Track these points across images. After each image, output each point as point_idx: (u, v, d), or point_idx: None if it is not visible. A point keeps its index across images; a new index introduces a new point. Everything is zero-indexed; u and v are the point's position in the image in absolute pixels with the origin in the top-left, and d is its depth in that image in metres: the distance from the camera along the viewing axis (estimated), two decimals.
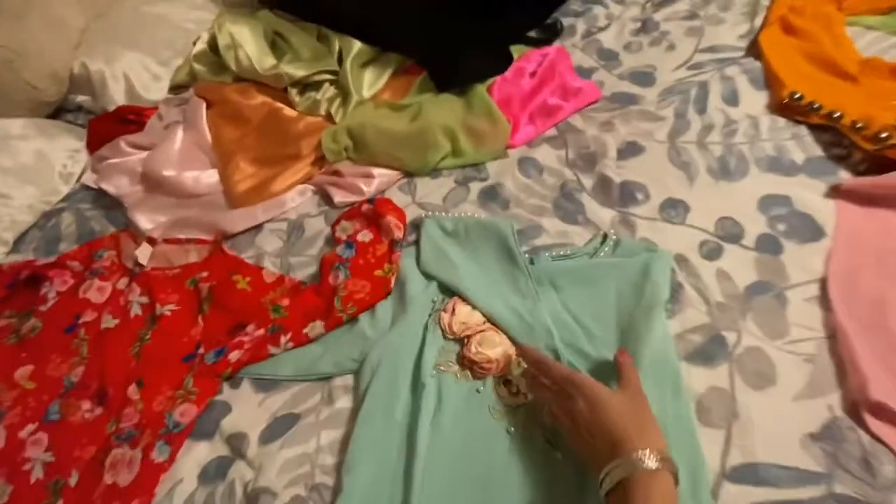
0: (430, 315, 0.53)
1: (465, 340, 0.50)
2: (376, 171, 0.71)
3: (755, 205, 0.59)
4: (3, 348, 0.61)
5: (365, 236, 0.63)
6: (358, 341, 0.53)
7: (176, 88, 0.93)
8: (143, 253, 0.66)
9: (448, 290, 0.55)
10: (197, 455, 0.49)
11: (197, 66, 0.89)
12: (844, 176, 0.59)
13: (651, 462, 0.34)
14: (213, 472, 0.47)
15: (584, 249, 0.57)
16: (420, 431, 0.44)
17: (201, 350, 0.56)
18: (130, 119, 0.86)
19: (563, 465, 0.42)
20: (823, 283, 0.51)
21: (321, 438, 0.49)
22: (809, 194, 0.58)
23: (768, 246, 0.55)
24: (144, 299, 0.62)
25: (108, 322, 0.61)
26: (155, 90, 0.92)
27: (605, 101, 0.75)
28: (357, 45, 0.81)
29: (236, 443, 0.49)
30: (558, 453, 0.43)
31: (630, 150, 0.68)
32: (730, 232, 0.57)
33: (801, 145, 0.63)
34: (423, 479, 0.42)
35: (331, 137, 0.73)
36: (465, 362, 0.49)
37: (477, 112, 0.73)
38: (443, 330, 0.52)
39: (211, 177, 0.75)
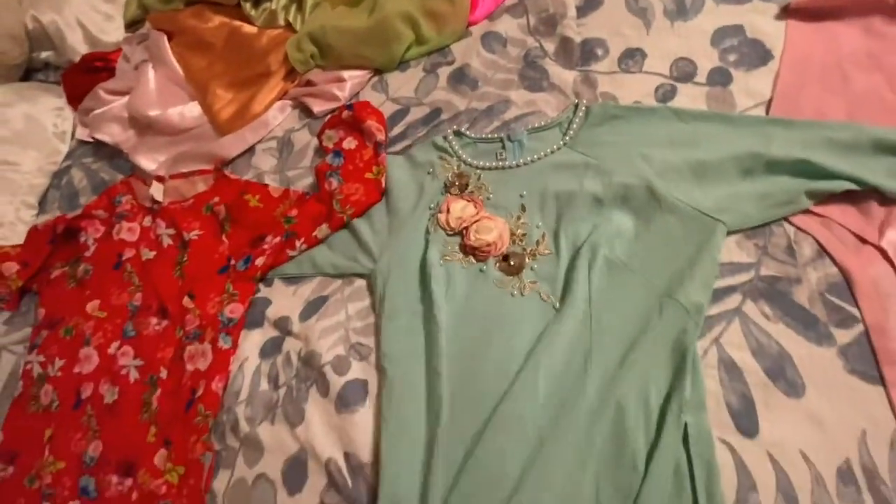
0: (429, 220, 0.60)
1: (464, 231, 0.57)
2: (346, 73, 0.73)
3: (709, 40, 0.61)
4: (69, 292, 0.72)
5: (350, 143, 0.67)
6: (360, 245, 0.61)
7: (131, 25, 0.92)
8: (157, 191, 0.73)
9: (441, 194, 0.61)
10: (254, 339, 0.60)
11: None
12: None
13: None
14: (270, 349, 0.59)
15: (557, 120, 0.61)
16: (438, 311, 0.53)
17: (232, 262, 0.65)
18: (98, 66, 0.87)
19: (556, 313, 0.51)
20: (769, 105, 0.55)
21: (349, 309, 0.59)
22: (761, 19, 0.60)
23: (719, 78, 0.58)
24: (171, 231, 0.70)
25: (147, 255, 0.70)
26: (112, 31, 0.91)
27: None
28: None
29: (282, 324, 0.60)
30: (554, 304, 0.52)
31: (589, 4, 0.68)
32: (684, 71, 0.60)
33: None
34: (449, 343, 0.51)
35: (295, 47, 0.75)
36: (468, 249, 0.57)
37: None
38: (443, 228, 0.59)
39: (193, 110, 0.78)
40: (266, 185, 0.71)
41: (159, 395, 0.60)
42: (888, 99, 0.52)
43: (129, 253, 0.71)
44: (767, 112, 0.55)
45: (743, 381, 0.45)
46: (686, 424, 0.43)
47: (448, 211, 0.59)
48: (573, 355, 0.48)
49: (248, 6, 0.80)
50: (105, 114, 0.82)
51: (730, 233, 0.50)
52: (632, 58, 0.63)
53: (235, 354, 0.60)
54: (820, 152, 0.49)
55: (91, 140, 0.84)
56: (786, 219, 0.50)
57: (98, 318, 0.68)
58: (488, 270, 0.56)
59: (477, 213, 0.59)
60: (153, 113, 0.77)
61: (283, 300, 0.62)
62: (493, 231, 0.57)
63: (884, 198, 0.47)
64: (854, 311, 0.45)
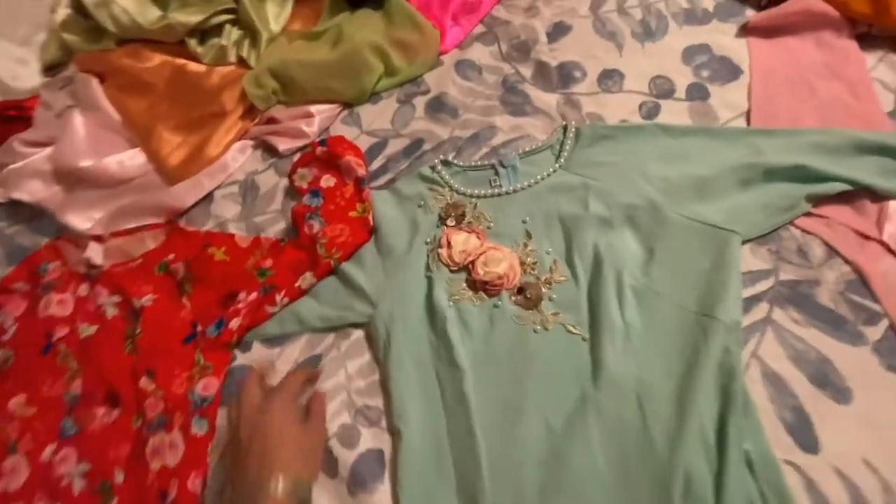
0: (428, 256, 0.55)
1: (471, 266, 0.53)
2: (314, 108, 0.68)
3: (680, 58, 0.63)
4: None
5: (328, 181, 0.61)
6: (354, 290, 0.54)
7: (51, 69, 0.81)
8: (95, 252, 0.62)
9: (437, 228, 0.56)
10: None
11: (68, 37, 0.77)
12: (750, 14, 0.64)
13: (279, 489, 0.36)
14: None
15: (547, 143, 0.59)
16: (458, 358, 0.47)
17: (199, 328, 0.56)
18: (12, 115, 0.75)
19: (587, 346, 0.47)
20: (748, 115, 0.57)
21: (348, 368, 0.51)
22: (724, 38, 0.63)
23: (697, 93, 0.60)
24: (116, 298, 0.59)
25: (86, 330, 0.58)
26: (26, 77, 0.79)
27: None
28: None
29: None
30: (583, 335, 0.48)
31: (558, 30, 0.69)
32: (663, 89, 0.61)
33: None
34: (476, 397, 0.46)
35: (254, 83, 0.68)
36: (478, 285, 0.52)
37: (400, 23, 0.70)
38: (445, 264, 0.54)
39: (135, 157, 0.69)
40: (232, 235, 0.62)
41: None
42: (852, 104, 0.56)
43: (61, 331, 0.58)
44: (748, 122, 0.57)
45: (791, 393, 0.43)
46: (747, 452, 0.40)
47: (449, 245, 0.55)
48: (625, 403, 0.44)
49: (193, 43, 0.73)
50: (23, 169, 0.69)
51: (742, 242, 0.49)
52: (610, 78, 0.63)
53: (214, 441, 0.49)
54: (811, 157, 0.51)
55: (4, 201, 0.71)
56: (791, 223, 0.50)
57: (25, 417, 0.54)
58: (504, 306, 0.51)
59: (481, 245, 0.54)
60: (85, 164, 0.66)
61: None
62: (502, 262, 0.52)
63: (874, 195, 0.49)
64: (875, 306, 0.45)
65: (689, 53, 0.63)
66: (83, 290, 0.61)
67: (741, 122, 0.57)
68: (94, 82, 0.73)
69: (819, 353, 0.44)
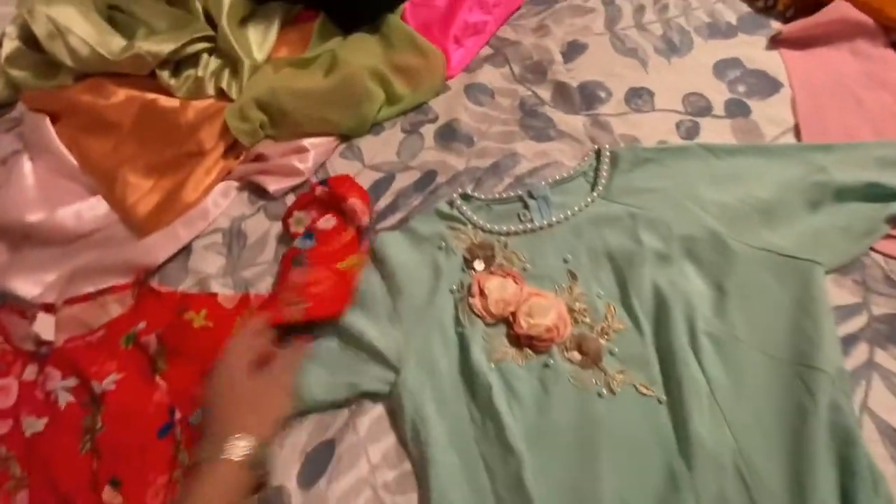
0: (456, 307, 0.46)
1: (511, 317, 0.44)
2: (308, 141, 0.60)
3: (711, 73, 0.58)
4: None
5: (327, 223, 0.52)
6: (369, 351, 0.44)
7: None
8: (45, 326, 0.50)
9: (462, 272, 0.48)
10: None
11: (15, 73, 0.68)
12: (776, 25, 0.61)
13: (235, 453, 0.34)
14: None
15: (580, 169, 0.52)
16: (511, 437, 0.39)
17: (178, 414, 0.45)
18: None
19: (666, 410, 0.39)
20: (796, 130, 0.52)
21: (370, 455, 0.41)
22: (754, 50, 0.59)
23: (737, 110, 0.55)
24: (71, 382, 0.48)
25: (33, 426, 0.46)
26: None
27: (527, 5, 0.70)
28: None
29: (276, 501, 0.40)
30: (658, 397, 0.40)
31: (573, 49, 0.64)
32: (698, 106, 0.56)
33: (729, 5, 0.64)
34: (537, 484, 0.37)
35: (238, 116, 0.60)
36: (522, 340, 0.43)
37: (400, 47, 0.63)
38: (479, 316, 0.45)
39: (96, 207, 0.58)
40: (214, 295, 0.52)
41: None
42: None
43: (1, 427, 0.47)
44: (798, 138, 0.52)
45: None
46: None
47: (482, 293, 0.46)
48: (725, 480, 0.36)
49: (165, 75, 0.64)
50: None
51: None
52: (639, 97, 0.58)
53: None
54: (881, 173, 0.45)
55: None
56: (870, 248, 0.44)
57: None
58: (556, 364, 0.43)
59: (521, 290, 0.46)
60: (33, 217, 0.56)
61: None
62: (549, 311, 0.44)
63: None
64: None
65: (720, 68, 0.58)
66: (29, 373, 0.49)
67: (790, 138, 0.52)
68: (46, 122, 0.63)
69: None
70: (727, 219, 0.46)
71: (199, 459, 0.35)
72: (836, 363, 0.38)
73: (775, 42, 0.59)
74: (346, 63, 0.61)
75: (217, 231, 0.57)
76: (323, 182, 0.54)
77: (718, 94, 0.56)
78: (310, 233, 0.52)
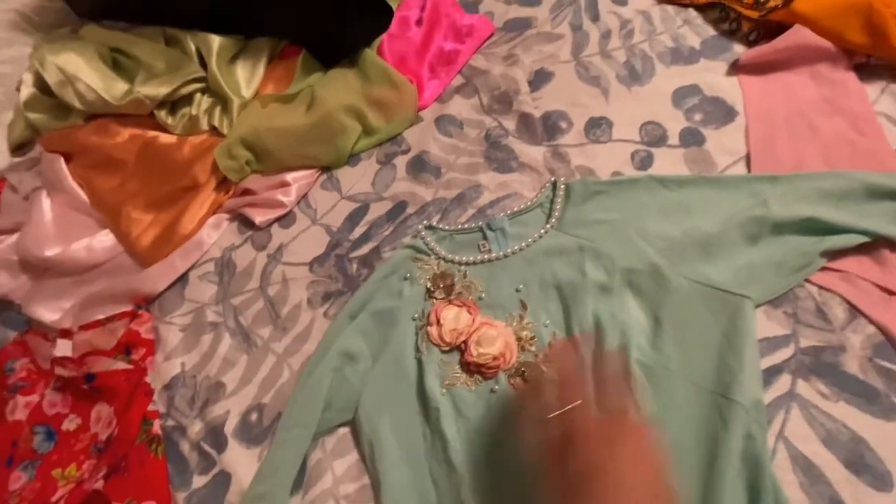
0: (416, 335, 0.51)
1: (463, 346, 0.49)
2: (290, 176, 0.65)
3: (670, 101, 0.60)
4: None
5: (71, 422, 0.51)
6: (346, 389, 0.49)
7: (19, 149, 0.78)
8: (65, 350, 0.58)
9: (425, 301, 0.52)
10: None
11: (33, 116, 0.75)
12: (739, 50, 0.61)
13: None
14: None
15: (537, 201, 0.56)
16: (454, 455, 0.43)
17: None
18: None
19: None
20: (748, 159, 0.54)
21: (335, 469, 0.47)
22: (714, 77, 0.60)
23: (692, 139, 0.57)
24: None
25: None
26: None
27: (499, 32, 0.72)
28: (216, 39, 0.71)
29: None
30: None
31: (540, 78, 0.66)
32: (654, 135, 0.58)
33: (694, 29, 0.64)
34: (476, 497, 0.42)
35: (226, 154, 0.65)
36: (472, 367, 0.48)
37: (376, 81, 0.67)
38: (436, 344, 0.50)
39: (105, 240, 0.65)
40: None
41: None
42: (857, 141, 0.53)
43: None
44: (748, 167, 0.53)
45: (825, 481, 0.38)
46: None
47: (439, 322, 0.51)
48: None
49: (163, 114, 0.70)
50: None
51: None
52: (598, 127, 0.60)
53: None
54: (821, 207, 0.47)
55: None
56: (806, 279, 0.46)
57: None
58: (502, 390, 0.47)
59: (473, 320, 0.50)
60: (51, 252, 0.63)
61: (248, 474, 0.49)
62: (497, 340, 0.48)
63: (893, 245, 0.45)
64: None
65: (679, 96, 0.60)
66: (51, 395, 0.57)
67: (741, 168, 0.54)
68: (60, 162, 0.70)
69: (852, 432, 0.40)
70: (670, 251, 0.49)
71: None
72: (753, 396, 0.41)
73: (735, 68, 0.60)
74: (323, 101, 0.65)
75: (210, 261, 0.63)
76: (90, 377, 0.52)
77: (675, 123, 0.58)
78: (52, 431, 0.52)
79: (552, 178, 0.57)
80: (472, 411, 0.46)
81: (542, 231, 0.54)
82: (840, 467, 0.39)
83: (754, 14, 0.60)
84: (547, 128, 0.62)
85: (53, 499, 0.49)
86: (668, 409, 0.43)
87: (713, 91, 0.59)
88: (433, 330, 0.51)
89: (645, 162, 0.56)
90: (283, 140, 0.65)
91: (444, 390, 0.48)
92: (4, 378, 0.59)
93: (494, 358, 0.48)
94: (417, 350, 0.50)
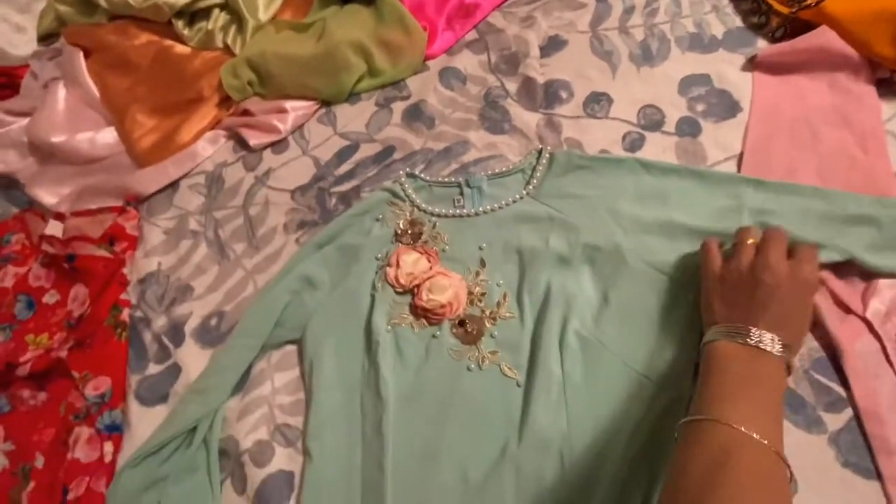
0: (376, 273, 0.52)
1: (416, 290, 0.50)
2: (289, 104, 0.66)
3: (676, 88, 0.58)
4: None
5: (52, 297, 0.55)
6: (301, 311, 0.51)
7: (46, 38, 0.81)
8: (55, 230, 0.62)
9: (391, 244, 0.53)
10: (156, 418, 0.50)
11: (62, 8, 0.77)
12: (762, 46, 0.58)
13: (771, 345, 0.35)
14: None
15: (519, 166, 0.55)
16: (384, 388, 0.45)
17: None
18: (1, 83, 0.75)
19: (521, 392, 0.44)
20: (741, 159, 0.52)
21: (275, 381, 0.50)
22: (729, 69, 0.58)
23: (688, 129, 0.55)
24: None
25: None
26: (22, 45, 0.80)
27: None
28: None
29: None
30: (518, 381, 0.45)
31: (552, 45, 0.64)
32: (651, 119, 0.57)
33: (720, 17, 0.61)
34: (395, 432, 0.44)
35: (231, 73, 0.66)
36: (419, 311, 0.49)
37: (389, 22, 0.67)
38: (391, 285, 0.51)
39: (108, 136, 0.68)
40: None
41: (31, 491, 0.48)
42: (857, 157, 0.50)
43: None
44: (739, 167, 0.52)
45: None
46: None
47: (398, 265, 0.52)
48: (547, 462, 0.41)
49: (180, 24, 0.71)
50: (2, 137, 0.70)
51: None
52: (597, 102, 0.59)
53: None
54: (797, 223, 0.45)
55: None
56: None
57: None
58: (443, 336, 0.48)
59: (430, 269, 0.51)
60: (57, 139, 0.66)
61: (197, 367, 0.52)
62: (447, 290, 0.50)
63: (863, 270, 0.44)
64: (840, 390, 0.41)
65: (686, 83, 0.58)
66: (37, 269, 0.61)
67: (731, 166, 0.52)
68: (79, 56, 0.72)
69: None
70: (635, 234, 0.49)
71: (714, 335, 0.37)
72: (679, 383, 0.41)
73: (752, 63, 0.57)
74: (331, 33, 0.65)
75: (201, 173, 0.66)
76: (71, 258, 0.55)
77: (675, 110, 0.56)
78: (32, 302, 0.56)
79: (539, 146, 0.56)
80: (410, 351, 0.48)
81: (518, 196, 0.54)
82: None
83: (786, 10, 0.57)
84: (547, 95, 0.61)
85: (22, 359, 0.53)
86: (593, 381, 0.44)
87: (723, 84, 0.57)
88: (391, 271, 0.52)
89: (635, 144, 0.55)
90: (288, 67, 0.65)
91: (389, 327, 0.49)
92: (0, 248, 0.63)
93: (442, 306, 0.49)
94: (373, 287, 0.52)
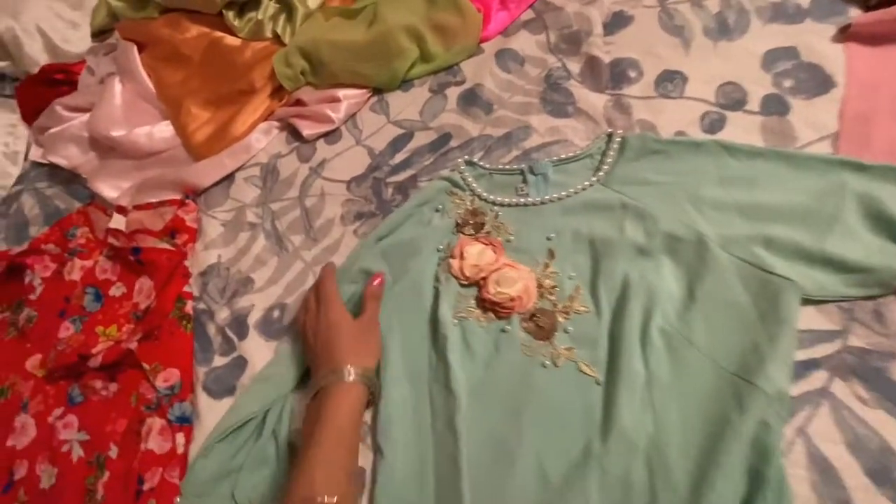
0: (438, 265, 0.51)
1: (482, 282, 0.48)
2: (342, 92, 0.64)
3: (759, 63, 0.53)
4: (8, 343, 0.60)
5: (118, 289, 0.56)
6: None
7: (99, 35, 0.83)
8: (118, 223, 0.63)
9: (452, 234, 0.52)
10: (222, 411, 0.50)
11: (114, 3, 0.78)
12: (854, 14, 0.53)
13: (351, 376, 0.41)
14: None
15: (587, 151, 0.53)
16: (455, 383, 0.43)
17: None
18: (59, 79, 0.77)
19: (601, 391, 0.42)
20: (836, 139, 0.48)
21: None
22: (817, 41, 0.53)
23: (774, 107, 0.51)
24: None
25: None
26: (76, 41, 0.81)
27: None
28: None
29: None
30: (597, 379, 0.42)
31: (617, 21, 0.61)
32: (732, 98, 0.52)
33: None
34: (468, 428, 0.42)
35: (283, 62, 0.66)
36: (487, 304, 0.47)
37: (441, 4, 0.64)
38: (455, 277, 0.49)
39: (164, 130, 0.68)
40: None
41: (106, 480, 0.49)
42: None
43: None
44: (834, 149, 0.47)
45: (840, 484, 0.36)
46: None
47: (462, 256, 0.50)
48: (633, 465, 0.38)
49: (231, 15, 0.71)
50: (62, 133, 0.71)
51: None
52: (670, 81, 0.55)
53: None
54: None
55: (46, 162, 0.73)
56: None
57: (39, 378, 0.56)
58: (513, 331, 0.46)
59: (497, 260, 0.49)
60: (116, 133, 0.67)
61: (263, 359, 0.52)
62: (517, 283, 0.47)
63: None
64: None
65: (770, 58, 0.53)
66: (103, 262, 0.62)
67: (825, 148, 0.48)
68: (133, 51, 0.73)
69: (883, 442, 0.36)
70: (721, 224, 0.45)
71: (320, 386, 0.41)
72: (779, 386, 0.38)
73: (845, 34, 0.52)
74: (384, 18, 0.63)
75: (256, 165, 0.65)
76: (136, 251, 0.56)
77: (759, 87, 0.52)
78: (100, 294, 0.57)
79: (608, 129, 0.53)
80: (479, 345, 0.46)
81: (587, 183, 0.51)
82: (860, 474, 0.36)
83: None
84: (614, 75, 0.57)
85: (94, 351, 0.54)
86: (681, 380, 0.41)
87: (812, 57, 0.52)
88: (455, 262, 0.50)
89: (715, 125, 0.52)
90: (339, 54, 0.64)
91: (455, 321, 0.48)
92: (66, 242, 0.65)
93: (511, 299, 0.47)
94: (437, 279, 0.50)
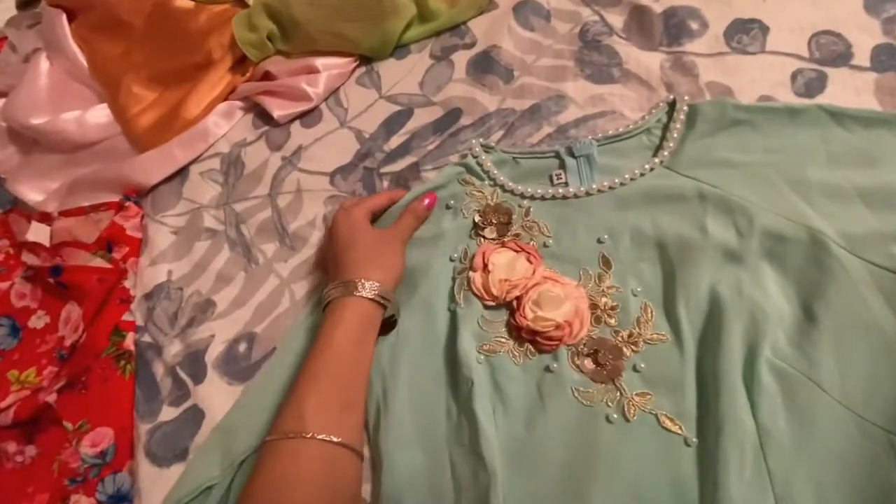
0: (453, 280, 0.38)
1: (515, 303, 0.36)
2: (320, 61, 0.52)
3: (861, 5, 0.42)
4: None
5: (40, 319, 0.45)
6: None
7: (27, 6, 0.68)
8: (37, 236, 0.49)
9: (470, 238, 0.40)
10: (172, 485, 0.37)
11: None
12: None
13: (365, 291, 0.35)
14: None
15: (643, 125, 0.40)
16: (485, 446, 0.31)
17: None
18: None
19: (693, 455, 0.30)
20: None
21: None
22: None
23: (890, 61, 0.39)
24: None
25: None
26: None
27: None
28: None
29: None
30: (686, 437, 0.30)
31: None
32: (831, 50, 0.41)
33: None
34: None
35: (245, 25, 0.52)
36: (523, 334, 0.35)
37: None
38: (478, 296, 0.37)
39: (99, 115, 0.55)
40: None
41: None
42: None
43: None
44: None
45: None
46: None
47: (486, 268, 0.38)
48: None
49: None
50: None
51: None
52: (746, 32, 0.43)
53: None
54: None
55: None
56: None
57: None
58: (561, 370, 0.34)
59: (533, 273, 0.37)
60: (37, 121, 0.53)
61: (224, 409, 0.39)
62: (563, 303, 0.35)
63: None
64: None
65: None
66: (20, 286, 0.48)
67: None
68: (62, 19, 0.59)
69: None
70: (840, 217, 0.33)
71: (330, 298, 0.35)
72: None
73: None
74: None
75: (215, 156, 0.52)
76: (56, 270, 0.44)
77: (866, 36, 0.40)
78: (17, 326, 0.45)
79: (669, 96, 0.41)
80: (515, 391, 0.34)
81: (647, 166, 0.39)
82: None
83: None
84: (669, 28, 0.45)
85: (3, 404, 0.41)
86: (810, 439, 0.29)
87: None
88: (477, 277, 0.38)
89: (812, 86, 0.40)
90: (317, 12, 0.51)
91: (481, 357, 0.35)
92: None
93: (557, 326, 0.35)
94: (452, 300, 0.38)
